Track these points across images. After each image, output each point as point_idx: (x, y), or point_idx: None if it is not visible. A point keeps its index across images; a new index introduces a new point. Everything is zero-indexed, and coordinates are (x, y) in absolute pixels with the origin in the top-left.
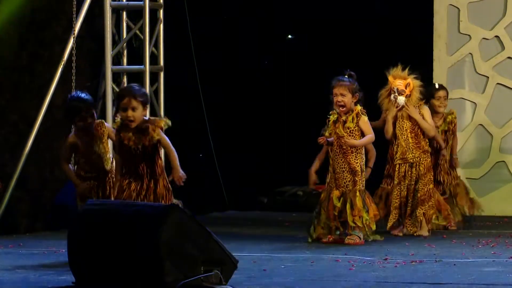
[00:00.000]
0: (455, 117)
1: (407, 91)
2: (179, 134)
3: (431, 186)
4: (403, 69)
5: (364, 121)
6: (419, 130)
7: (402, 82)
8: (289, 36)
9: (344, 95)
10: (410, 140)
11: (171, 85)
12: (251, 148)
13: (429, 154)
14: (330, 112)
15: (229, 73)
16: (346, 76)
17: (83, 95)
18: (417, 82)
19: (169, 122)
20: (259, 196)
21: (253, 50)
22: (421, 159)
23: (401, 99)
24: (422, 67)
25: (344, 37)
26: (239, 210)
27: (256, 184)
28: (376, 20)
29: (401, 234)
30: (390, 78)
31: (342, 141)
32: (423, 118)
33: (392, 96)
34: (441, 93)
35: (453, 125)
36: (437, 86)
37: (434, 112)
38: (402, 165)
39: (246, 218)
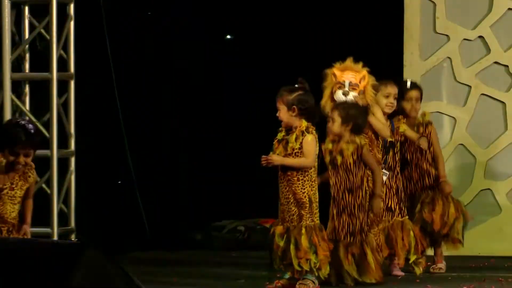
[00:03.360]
0: (429, 120)
1: (361, 86)
2: (93, 156)
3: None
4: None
5: (307, 141)
6: (372, 135)
7: (355, 75)
8: (228, 36)
9: (279, 108)
10: None
11: (83, 96)
12: (181, 173)
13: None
14: (279, 129)
15: (154, 81)
16: (296, 85)
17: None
18: (372, 77)
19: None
20: (190, 231)
21: (183, 53)
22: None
23: (352, 96)
24: (390, 73)
25: (295, 36)
26: (166, 249)
27: (187, 217)
28: (337, 17)
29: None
30: (335, 72)
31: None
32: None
33: (340, 92)
34: (413, 93)
35: (427, 131)
36: (408, 84)
37: (405, 117)
38: None
39: (175, 258)
